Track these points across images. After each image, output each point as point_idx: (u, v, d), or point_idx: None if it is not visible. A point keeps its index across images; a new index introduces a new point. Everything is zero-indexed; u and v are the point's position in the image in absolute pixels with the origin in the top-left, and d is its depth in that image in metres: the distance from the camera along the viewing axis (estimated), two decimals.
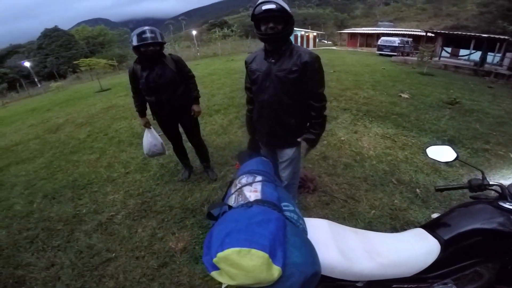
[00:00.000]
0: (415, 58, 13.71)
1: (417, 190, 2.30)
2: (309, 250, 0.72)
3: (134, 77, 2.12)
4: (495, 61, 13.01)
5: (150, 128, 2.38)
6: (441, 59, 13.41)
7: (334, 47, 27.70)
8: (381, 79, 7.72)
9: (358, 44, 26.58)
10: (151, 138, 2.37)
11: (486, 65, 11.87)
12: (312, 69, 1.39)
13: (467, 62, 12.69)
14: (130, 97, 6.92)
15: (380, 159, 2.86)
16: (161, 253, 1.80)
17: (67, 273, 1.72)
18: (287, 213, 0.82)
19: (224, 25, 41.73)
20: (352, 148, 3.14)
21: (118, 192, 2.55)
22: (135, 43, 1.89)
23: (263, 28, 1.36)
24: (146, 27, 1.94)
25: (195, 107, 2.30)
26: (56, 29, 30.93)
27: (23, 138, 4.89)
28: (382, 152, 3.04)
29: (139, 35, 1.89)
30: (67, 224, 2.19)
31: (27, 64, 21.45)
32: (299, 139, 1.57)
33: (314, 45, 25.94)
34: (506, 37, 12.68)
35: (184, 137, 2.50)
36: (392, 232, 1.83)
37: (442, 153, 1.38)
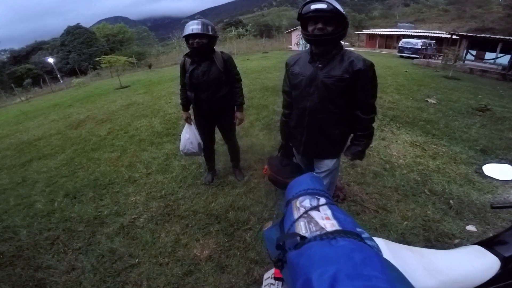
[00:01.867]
0: (439, 61, 13.18)
1: (451, 201, 2.19)
2: (406, 280, 0.64)
3: (182, 70, 2.07)
4: None
5: (191, 124, 2.28)
6: (466, 62, 12.80)
7: (351, 48, 27.12)
8: (405, 82, 7.40)
9: (377, 45, 25.86)
10: (189, 134, 2.26)
11: None
12: (365, 78, 1.27)
13: (494, 66, 12.04)
14: (149, 95, 7.17)
15: (411, 169, 2.71)
16: (185, 261, 1.74)
17: (89, 278, 1.67)
18: (368, 241, 0.71)
19: (239, 24, 41.84)
20: (381, 156, 2.98)
21: (140, 193, 2.51)
22: (184, 34, 1.85)
23: (310, 28, 1.24)
24: (196, 20, 1.88)
25: (238, 115, 2.20)
26: (78, 27, 32.05)
27: (45, 133, 5.01)
28: (412, 161, 2.87)
29: (187, 27, 1.84)
30: (88, 225, 2.16)
31: (50, 60, 22.41)
32: (343, 154, 1.46)
33: None
34: None
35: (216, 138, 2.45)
36: (426, 244, 1.76)
37: (501, 171, 1.27)
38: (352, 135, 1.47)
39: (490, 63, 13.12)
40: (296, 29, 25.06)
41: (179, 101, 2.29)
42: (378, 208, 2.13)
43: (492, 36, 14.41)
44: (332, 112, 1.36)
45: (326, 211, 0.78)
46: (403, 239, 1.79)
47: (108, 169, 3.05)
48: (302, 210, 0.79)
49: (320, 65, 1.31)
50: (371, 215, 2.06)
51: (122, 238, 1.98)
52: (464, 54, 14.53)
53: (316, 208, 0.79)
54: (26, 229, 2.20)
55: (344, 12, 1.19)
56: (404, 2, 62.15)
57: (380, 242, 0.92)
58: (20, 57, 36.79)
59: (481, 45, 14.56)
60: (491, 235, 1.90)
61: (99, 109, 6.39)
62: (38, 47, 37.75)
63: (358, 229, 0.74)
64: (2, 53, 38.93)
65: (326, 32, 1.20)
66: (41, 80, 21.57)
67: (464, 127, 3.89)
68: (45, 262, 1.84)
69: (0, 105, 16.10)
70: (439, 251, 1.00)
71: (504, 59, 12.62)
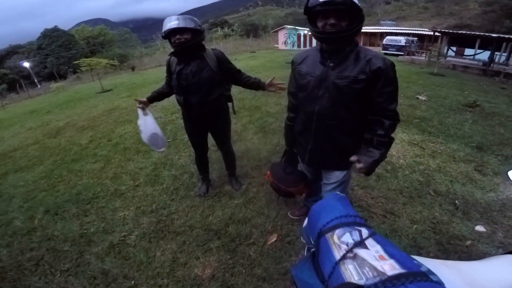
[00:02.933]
0: (422, 58, 13.54)
1: (456, 201, 2.15)
2: None
3: (168, 70, 1.84)
4: (501, 61, 12.89)
5: (146, 113, 1.97)
6: (448, 58, 13.24)
7: None
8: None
9: (361, 43, 26.39)
10: (148, 126, 1.97)
11: (494, 65, 11.70)
12: (385, 79, 1.09)
13: (475, 62, 12.54)
14: (132, 99, 6.82)
15: (413, 169, 2.65)
16: (186, 281, 1.57)
17: None
18: (433, 277, 0.57)
19: (225, 24, 41.51)
20: None
21: (129, 208, 2.29)
22: (163, 32, 1.61)
23: (320, 24, 1.07)
24: (174, 15, 1.65)
25: (270, 82, 1.86)
26: (55, 29, 30.81)
27: (21, 143, 4.63)
28: (412, 160, 2.82)
29: (165, 24, 1.60)
30: (74, 244, 1.95)
31: (26, 64, 21.27)
32: (352, 158, 1.23)
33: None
34: None
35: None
36: (439, 248, 1.70)
37: None
38: (366, 142, 1.27)
39: (470, 59, 13.63)
40: (282, 28, 25.12)
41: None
42: (386, 212, 2.05)
43: (470, 32, 14.97)
44: (344, 118, 1.20)
45: (375, 246, 0.63)
46: (415, 243, 1.75)
47: (91, 182, 2.79)
48: (344, 247, 0.64)
49: (331, 64, 1.14)
50: (379, 220, 1.98)
51: (114, 258, 1.79)
52: (445, 51, 15.02)
53: (362, 243, 0.64)
54: (6, 248, 1.99)
55: (358, 3, 1.02)
56: (385, 0, 63.85)
57: None
58: None
59: (461, 42, 15.10)
60: (500, 234, 1.87)
61: (80, 115, 6.01)
62: (13, 51, 36.00)
63: (416, 261, 0.60)
64: None
65: (339, 28, 1.04)
66: (17, 85, 20.41)
67: (457, 123, 3.92)
68: (32, 284, 1.67)
69: None
70: (473, 262, 0.94)
71: (483, 55, 13.18)
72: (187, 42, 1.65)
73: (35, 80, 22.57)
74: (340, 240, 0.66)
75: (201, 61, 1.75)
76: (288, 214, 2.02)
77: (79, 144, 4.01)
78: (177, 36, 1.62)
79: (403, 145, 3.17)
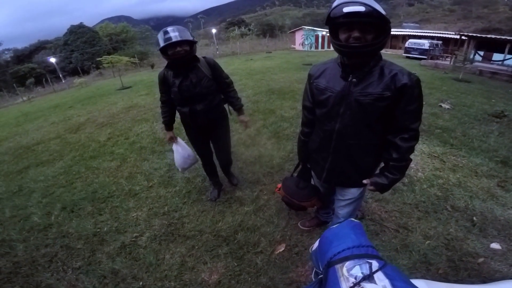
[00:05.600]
0: (446, 62, 12.94)
1: (474, 218, 2.06)
2: None
3: (164, 84, 1.83)
4: None
5: (177, 141, 2.12)
6: (474, 64, 12.54)
7: None
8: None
9: None
10: (182, 150, 2.12)
11: None
12: (411, 97, 1.03)
13: (504, 68, 11.76)
14: (151, 97, 6.97)
15: (431, 183, 2.53)
16: (193, 285, 1.60)
17: None
18: None
19: (242, 23, 41.64)
20: None
21: (141, 209, 2.34)
22: (161, 45, 1.61)
23: (343, 37, 0.99)
24: (168, 27, 1.62)
25: (244, 118, 2.06)
26: (81, 26, 31.88)
27: (44, 137, 4.86)
28: (431, 174, 2.69)
29: (162, 37, 1.59)
30: (88, 243, 2.01)
31: (52, 60, 22.35)
32: (365, 181, 1.21)
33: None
34: None
35: None
36: (449, 264, 1.63)
37: None
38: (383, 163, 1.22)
39: (499, 64, 12.84)
40: (300, 28, 24.75)
41: (162, 119, 2.04)
42: (399, 227, 1.99)
43: (500, 37, 14.10)
44: (366, 137, 1.14)
45: (383, 281, 0.60)
46: (425, 259, 1.71)
47: (107, 180, 2.88)
48: (352, 280, 0.62)
49: (354, 80, 1.07)
50: (391, 234, 1.92)
51: (124, 258, 1.84)
52: (472, 55, 14.25)
53: (371, 277, 0.61)
54: (23, 244, 2.08)
55: (385, 15, 0.94)
56: (408, 2, 61.74)
57: (422, 284, 0.82)
58: (23, 56, 36.64)
59: (489, 46, 14.27)
60: None
61: (100, 111, 6.23)
62: (41, 47, 37.62)
63: None
64: (6, 52, 38.88)
65: (364, 42, 0.96)
66: (43, 79, 21.52)
67: (482, 135, 3.71)
68: (44, 280, 1.73)
69: (2, 105, 16.10)
70: (480, 286, 0.92)
71: None
72: (186, 54, 1.65)
73: (60, 75, 23.69)
74: (349, 273, 0.64)
75: (197, 71, 1.77)
76: (298, 224, 1.99)
77: (98, 141, 4.16)
78: (177, 49, 1.61)
79: (423, 157, 3.03)
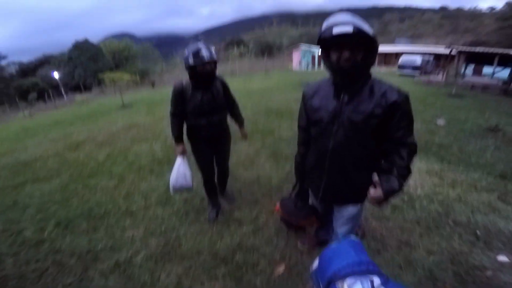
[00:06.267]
0: (439, 78, 13.23)
1: (477, 231, 2.07)
2: None
3: (181, 97, 1.91)
4: None
5: (185, 156, 2.13)
6: (466, 78, 12.75)
7: None
8: (410, 102, 7.32)
9: (376, 63, 26.43)
10: (183, 167, 2.10)
11: None
12: (402, 112, 1.05)
13: (495, 81, 11.95)
14: (151, 116, 7.02)
15: (431, 199, 2.54)
16: None
17: None
18: None
19: (241, 43, 42.85)
20: None
21: (138, 227, 2.30)
22: (191, 63, 1.76)
23: (334, 57, 1.03)
24: (200, 44, 1.80)
25: (245, 131, 2.34)
26: (85, 42, 31.84)
27: (43, 153, 4.86)
28: (431, 190, 2.70)
29: (196, 54, 1.75)
30: (80, 260, 1.96)
31: (56, 75, 22.63)
32: (371, 191, 1.16)
33: None
34: None
35: None
36: (456, 278, 1.62)
37: None
38: (382, 170, 1.19)
39: (489, 78, 13.06)
40: (297, 47, 25.37)
41: (172, 134, 2.07)
42: (401, 243, 1.98)
43: (489, 49, 14.14)
44: (360, 154, 1.16)
45: None
46: (431, 275, 1.69)
47: (104, 199, 2.85)
48: None
49: (346, 99, 1.10)
50: (394, 252, 1.90)
51: (118, 276, 1.79)
52: (463, 70, 14.52)
53: None
54: (13, 258, 2.04)
55: (372, 34, 0.98)
56: (399, 18, 64.06)
57: None
58: (28, 70, 36.54)
59: (478, 59, 14.41)
60: None
61: (100, 129, 6.26)
62: (46, 61, 37.43)
63: None
64: (12, 65, 39.12)
65: (354, 62, 1.00)
66: (46, 95, 21.66)
67: (478, 150, 3.76)
68: None
69: (3, 119, 16.17)
70: None
71: (503, 73, 12.50)
72: (213, 71, 1.86)
73: (62, 91, 23.93)
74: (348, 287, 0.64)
75: (215, 86, 1.95)
76: (298, 244, 1.96)
77: (96, 159, 4.15)
78: (206, 66, 1.80)
79: (421, 174, 3.04)
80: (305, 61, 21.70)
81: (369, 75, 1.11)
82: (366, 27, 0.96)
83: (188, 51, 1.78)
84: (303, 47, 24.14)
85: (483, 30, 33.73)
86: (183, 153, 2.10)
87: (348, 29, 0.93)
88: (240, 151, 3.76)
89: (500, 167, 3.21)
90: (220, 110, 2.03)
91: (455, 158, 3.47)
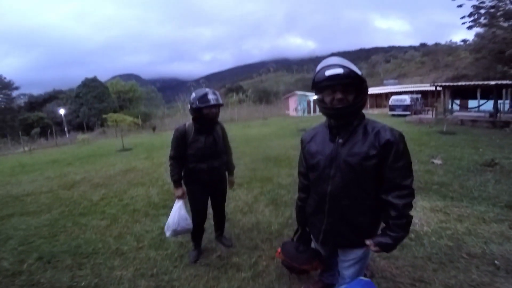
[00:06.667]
0: (429, 116, 13.61)
1: (496, 261, 2.00)
2: None
3: (183, 140, 1.95)
4: (505, 109, 12.42)
5: (184, 199, 2.11)
6: (454, 114, 12.99)
7: None
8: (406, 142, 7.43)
9: (368, 106, 27.57)
10: (183, 210, 2.06)
11: (500, 115, 11.13)
12: (396, 152, 1.05)
13: (482, 114, 12.00)
14: (150, 161, 7.03)
15: (439, 235, 2.46)
16: None
17: None
18: None
19: (240, 89, 44.92)
20: None
21: (127, 268, 2.14)
22: (198, 104, 1.84)
23: (327, 99, 1.09)
24: (207, 89, 1.93)
25: (233, 178, 2.36)
26: (94, 80, 31.98)
27: (36, 189, 4.76)
28: (438, 226, 2.61)
29: (202, 97, 1.85)
30: None
31: (61, 111, 23.13)
32: (367, 242, 1.15)
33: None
34: None
35: None
36: None
37: None
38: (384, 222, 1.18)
39: (475, 111, 13.15)
40: (293, 94, 26.28)
41: (171, 177, 2.07)
42: (414, 281, 1.87)
43: (469, 83, 14.40)
44: (359, 197, 1.14)
45: None
46: None
47: (94, 237, 2.70)
48: None
49: (340, 141, 1.12)
50: None
51: None
52: (450, 105, 14.63)
53: None
54: None
55: (361, 75, 1.07)
56: (385, 59, 67.74)
57: None
58: (36, 104, 36.35)
59: (462, 93, 14.82)
60: None
61: (97, 171, 6.22)
62: (55, 96, 37.47)
63: None
64: (22, 97, 39.40)
65: (346, 103, 1.06)
66: (48, 131, 21.74)
67: (479, 185, 3.73)
68: None
69: (3, 152, 16.09)
70: None
71: (488, 106, 12.58)
72: (218, 114, 1.96)
73: (65, 129, 24.18)
74: None
75: (216, 131, 2.04)
76: None
77: (90, 199, 4.04)
78: (212, 110, 1.90)
79: (425, 212, 2.97)
80: (301, 107, 22.45)
81: (363, 116, 1.17)
82: (354, 68, 1.07)
83: (195, 94, 1.90)
84: (299, 93, 24.90)
85: (461, 64, 34.72)
86: (183, 196, 2.08)
87: (339, 70, 1.02)
88: (238, 198, 3.69)
89: (505, 198, 3.19)
90: (220, 155, 2.07)
91: (457, 194, 3.42)
